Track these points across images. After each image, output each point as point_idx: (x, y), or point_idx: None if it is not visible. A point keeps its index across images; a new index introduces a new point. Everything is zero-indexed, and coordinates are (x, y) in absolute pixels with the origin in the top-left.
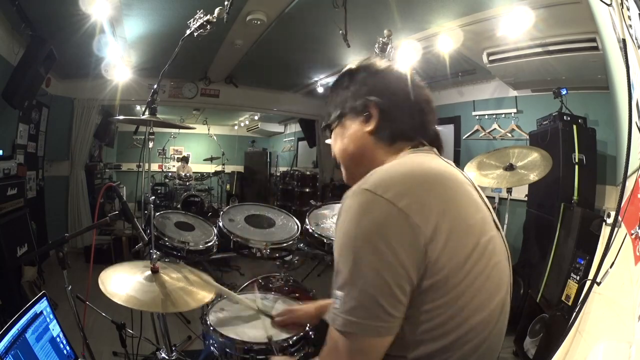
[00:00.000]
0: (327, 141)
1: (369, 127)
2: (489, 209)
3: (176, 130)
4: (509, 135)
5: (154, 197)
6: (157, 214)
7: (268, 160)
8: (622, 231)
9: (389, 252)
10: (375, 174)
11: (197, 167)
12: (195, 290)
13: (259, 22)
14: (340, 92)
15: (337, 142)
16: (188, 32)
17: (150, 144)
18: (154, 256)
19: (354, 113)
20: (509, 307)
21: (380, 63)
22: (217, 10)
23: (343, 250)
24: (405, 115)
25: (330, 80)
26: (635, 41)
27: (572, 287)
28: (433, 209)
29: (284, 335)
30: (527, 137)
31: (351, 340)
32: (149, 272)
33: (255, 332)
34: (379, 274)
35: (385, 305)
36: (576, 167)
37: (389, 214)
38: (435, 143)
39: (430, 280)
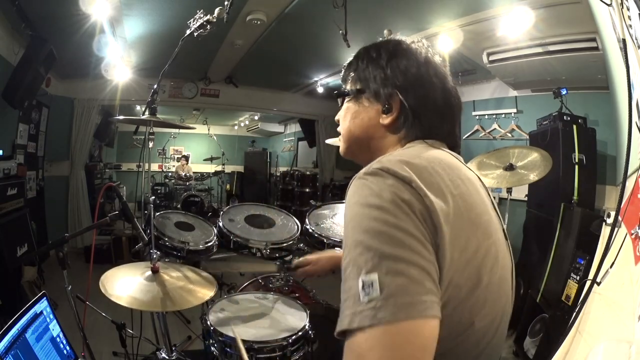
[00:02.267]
0: (328, 141)
1: (386, 120)
2: (497, 213)
3: (176, 130)
4: (509, 135)
5: (154, 197)
6: (157, 214)
7: (268, 160)
8: (622, 231)
9: (410, 222)
10: (386, 157)
11: (197, 167)
12: (195, 288)
13: (259, 22)
14: (370, 66)
15: (347, 119)
16: (188, 32)
17: (150, 144)
18: (154, 256)
19: (375, 96)
20: (509, 319)
21: (423, 51)
22: (217, 10)
23: (353, 231)
24: (426, 121)
25: (330, 80)
26: (635, 41)
27: (572, 287)
28: (445, 192)
29: (284, 335)
30: (527, 137)
31: (400, 330)
32: (149, 272)
33: (255, 331)
34: (405, 245)
35: (421, 278)
36: (576, 167)
37: (403, 190)
38: (454, 147)
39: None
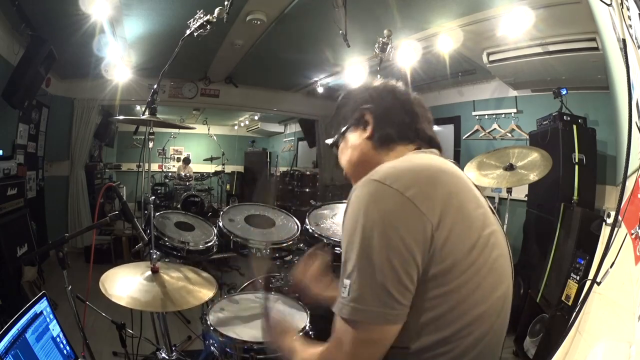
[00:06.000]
0: (328, 141)
1: (367, 133)
2: (489, 205)
3: (176, 130)
4: (509, 135)
5: (154, 197)
6: (157, 214)
7: (268, 160)
8: (622, 231)
9: (397, 239)
10: (382, 168)
11: (197, 167)
12: (196, 288)
13: (259, 22)
14: (342, 112)
15: (343, 155)
16: (188, 32)
17: (150, 144)
18: (154, 256)
19: (353, 125)
20: (510, 303)
21: (374, 81)
22: (217, 10)
23: (351, 238)
24: (397, 118)
25: (330, 80)
26: (635, 41)
27: (572, 287)
28: (438, 199)
29: None
30: (527, 137)
31: (358, 329)
32: (149, 273)
33: (255, 332)
34: (388, 260)
35: (393, 292)
36: (576, 167)
37: (397, 202)
38: (433, 144)
39: (436, 268)
